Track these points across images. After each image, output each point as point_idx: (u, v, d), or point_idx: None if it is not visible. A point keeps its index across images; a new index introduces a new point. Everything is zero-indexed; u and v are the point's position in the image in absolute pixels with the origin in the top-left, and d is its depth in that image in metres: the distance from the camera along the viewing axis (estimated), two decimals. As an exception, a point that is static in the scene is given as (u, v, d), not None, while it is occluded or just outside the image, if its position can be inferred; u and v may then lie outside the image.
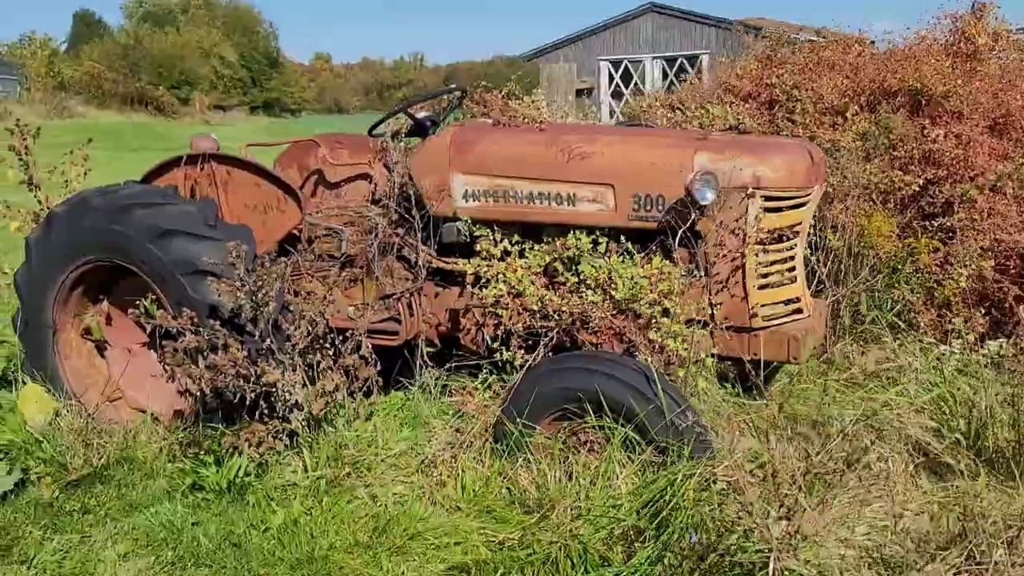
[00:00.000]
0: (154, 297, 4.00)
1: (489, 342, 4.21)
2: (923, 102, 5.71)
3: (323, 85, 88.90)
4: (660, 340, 3.58)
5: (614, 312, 3.64)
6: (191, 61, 55.38)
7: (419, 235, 4.36)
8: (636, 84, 15.39)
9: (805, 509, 2.41)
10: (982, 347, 4.57)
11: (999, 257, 4.91)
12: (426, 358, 4.44)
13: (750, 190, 3.61)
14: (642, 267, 3.75)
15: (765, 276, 3.75)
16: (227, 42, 61.75)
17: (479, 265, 4.10)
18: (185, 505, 3.53)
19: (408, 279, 4.50)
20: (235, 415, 3.84)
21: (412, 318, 4.44)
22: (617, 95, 14.93)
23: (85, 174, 5.26)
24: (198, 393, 3.49)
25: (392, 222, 4.48)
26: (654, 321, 3.58)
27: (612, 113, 13.75)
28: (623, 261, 3.80)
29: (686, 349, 3.60)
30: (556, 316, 3.69)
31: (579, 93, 14.17)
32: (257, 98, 62.37)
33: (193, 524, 3.40)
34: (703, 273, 3.74)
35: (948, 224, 5.22)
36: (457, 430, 3.74)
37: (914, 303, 4.99)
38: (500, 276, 3.97)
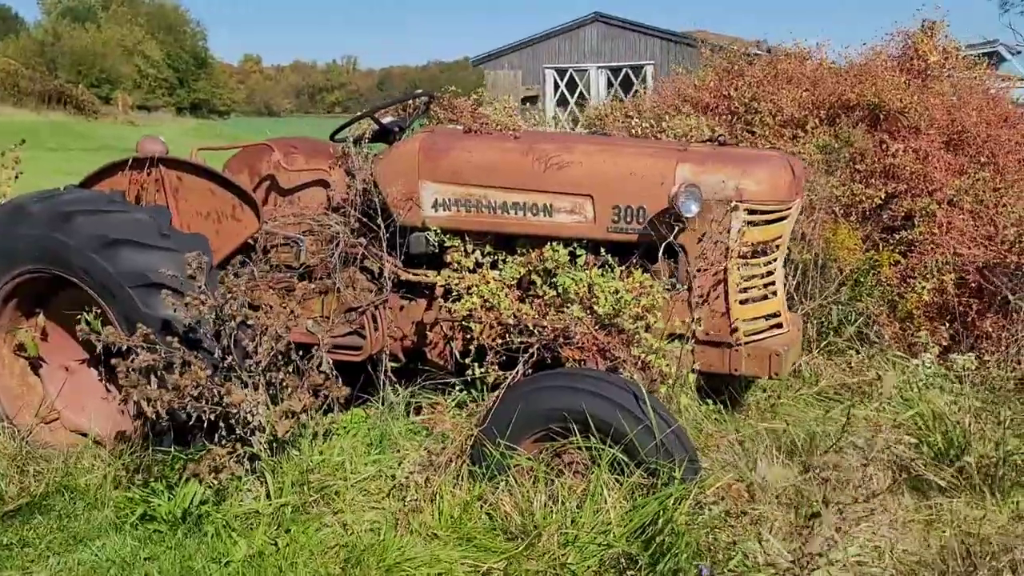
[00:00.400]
0: (99, 311, 3.71)
1: (458, 357, 4.06)
2: (881, 117, 5.75)
3: (253, 87, 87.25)
4: (643, 356, 3.46)
5: (596, 327, 3.50)
6: (113, 59, 53.62)
7: (384, 245, 4.17)
8: (581, 92, 15.36)
9: (835, 539, 2.30)
10: (946, 360, 4.59)
11: (959, 271, 4.95)
12: (390, 374, 4.25)
13: (733, 203, 3.52)
14: (622, 280, 3.63)
15: (746, 290, 3.66)
16: (151, 40, 59.99)
17: (449, 277, 3.93)
18: (135, 538, 3.25)
19: (371, 291, 4.30)
20: (189, 438, 3.59)
21: (376, 332, 4.23)
22: (562, 103, 14.87)
23: (16, 177, 4.91)
24: (152, 415, 3.22)
25: (354, 231, 4.28)
26: (637, 337, 3.46)
27: (557, 122, 13.69)
28: (603, 274, 3.67)
29: (668, 365, 3.49)
30: (537, 331, 3.54)
31: (524, 101, 14.06)
32: (184, 99, 60.78)
33: (145, 559, 3.13)
34: (685, 287, 3.64)
35: (909, 237, 5.25)
36: (429, 451, 3.55)
37: (877, 316, 5.00)
38: (473, 289, 3.81)
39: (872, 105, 5.74)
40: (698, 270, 3.65)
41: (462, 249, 4.00)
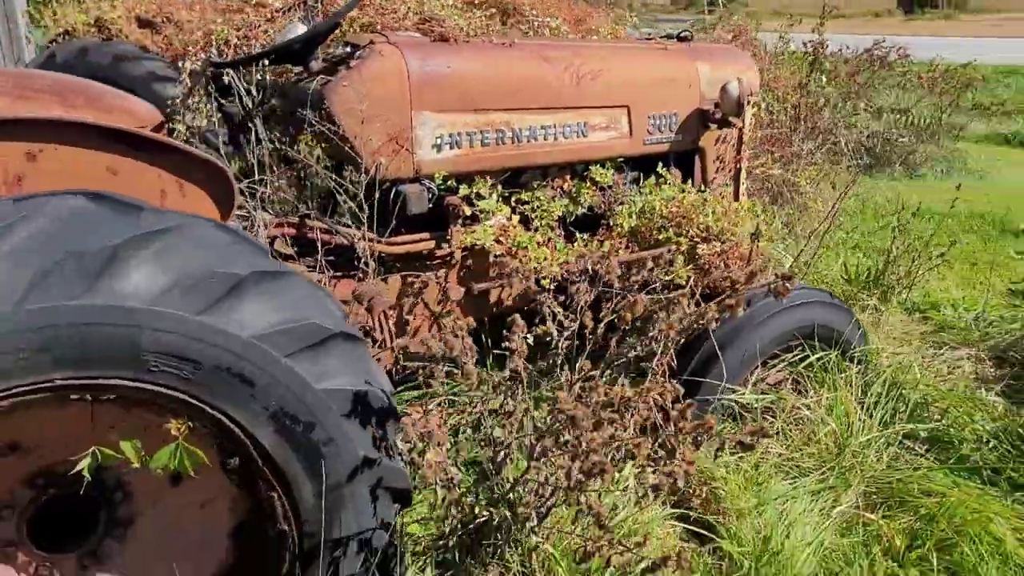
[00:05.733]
0: (183, 426, 1.86)
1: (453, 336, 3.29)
2: (511, 10, 6.00)
3: None
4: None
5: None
6: None
7: (366, 209, 2.95)
8: None
9: None
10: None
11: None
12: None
13: (749, 98, 3.61)
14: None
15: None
16: None
17: (491, 234, 3.08)
18: None
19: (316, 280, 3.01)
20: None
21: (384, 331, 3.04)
22: None
23: None
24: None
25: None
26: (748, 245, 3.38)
27: None
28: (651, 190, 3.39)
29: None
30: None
31: None
32: None
33: None
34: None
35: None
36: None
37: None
38: (526, 243, 3.11)
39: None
40: (714, 171, 3.67)
41: (483, 195, 3.12)
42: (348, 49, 2.99)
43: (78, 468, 1.83)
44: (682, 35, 3.78)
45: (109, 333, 1.69)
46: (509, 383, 2.30)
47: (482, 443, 2.29)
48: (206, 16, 5.83)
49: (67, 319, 1.64)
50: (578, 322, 2.24)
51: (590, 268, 2.59)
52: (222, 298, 1.81)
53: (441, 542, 2.33)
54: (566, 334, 2.25)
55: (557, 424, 1.99)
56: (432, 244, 3.11)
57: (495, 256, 3.15)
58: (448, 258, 3.15)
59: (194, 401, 1.84)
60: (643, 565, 2.09)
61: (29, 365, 1.64)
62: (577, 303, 2.30)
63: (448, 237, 3.10)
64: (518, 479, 2.27)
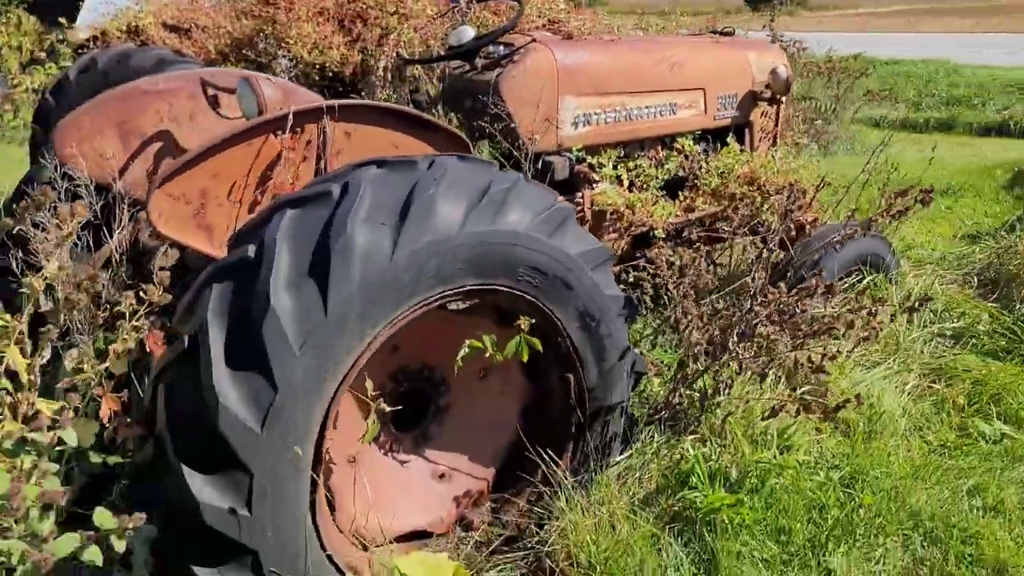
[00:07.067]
0: (530, 322, 2.54)
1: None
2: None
3: None
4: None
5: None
6: None
7: (530, 176, 3.64)
8: None
9: None
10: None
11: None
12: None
13: (786, 79, 4.48)
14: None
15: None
16: None
17: (618, 195, 3.83)
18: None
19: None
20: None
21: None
22: None
23: None
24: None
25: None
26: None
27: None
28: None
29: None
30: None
31: None
32: None
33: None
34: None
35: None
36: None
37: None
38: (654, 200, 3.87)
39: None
40: (759, 140, 4.53)
41: (607, 163, 3.87)
42: (502, 49, 3.66)
43: (459, 356, 2.47)
44: (725, 30, 4.63)
45: (504, 251, 2.35)
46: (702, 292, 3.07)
47: (686, 339, 3.04)
48: (238, 21, 6.30)
49: (485, 240, 2.30)
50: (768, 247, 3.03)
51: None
52: (559, 226, 2.50)
53: (657, 416, 3.07)
54: (765, 255, 3.04)
55: (781, 305, 2.79)
56: (607, 201, 3.82)
57: (610, 214, 3.90)
58: (580, 216, 3.86)
59: (537, 302, 2.52)
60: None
61: (460, 273, 2.28)
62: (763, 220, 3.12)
63: (579, 199, 3.82)
64: (711, 364, 3.05)
